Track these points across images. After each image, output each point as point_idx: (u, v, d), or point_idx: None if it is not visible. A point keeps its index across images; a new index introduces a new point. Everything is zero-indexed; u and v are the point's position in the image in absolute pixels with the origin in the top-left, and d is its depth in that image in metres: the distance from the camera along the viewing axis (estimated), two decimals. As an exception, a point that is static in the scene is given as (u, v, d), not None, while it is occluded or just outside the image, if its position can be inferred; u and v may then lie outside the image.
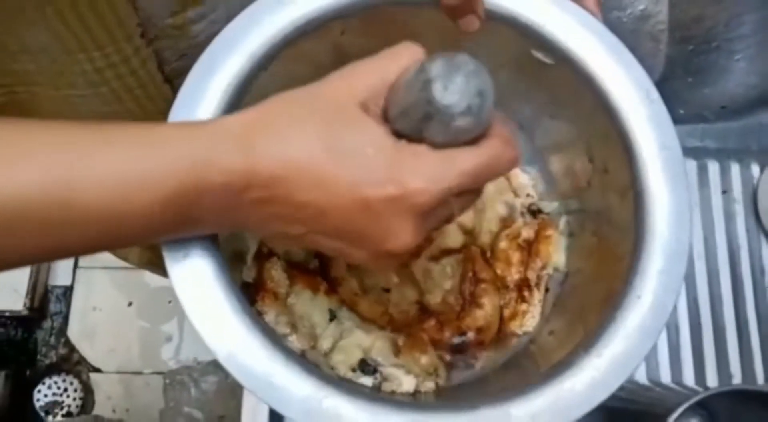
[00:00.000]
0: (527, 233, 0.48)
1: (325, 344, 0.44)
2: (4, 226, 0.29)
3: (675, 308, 0.55)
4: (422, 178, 0.31)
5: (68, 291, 1.43)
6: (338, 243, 0.33)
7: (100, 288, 1.44)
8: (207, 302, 0.34)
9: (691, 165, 0.61)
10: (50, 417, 1.34)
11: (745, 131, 0.62)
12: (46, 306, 1.42)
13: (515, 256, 0.47)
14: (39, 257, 0.33)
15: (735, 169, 0.61)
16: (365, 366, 0.44)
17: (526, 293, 0.46)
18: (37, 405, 1.35)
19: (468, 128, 0.31)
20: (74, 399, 1.36)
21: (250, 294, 0.46)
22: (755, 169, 0.61)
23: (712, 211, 0.59)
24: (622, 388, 0.48)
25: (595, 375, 0.36)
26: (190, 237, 0.35)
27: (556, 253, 0.48)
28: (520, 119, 0.50)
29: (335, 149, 0.31)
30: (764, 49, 0.61)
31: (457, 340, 0.44)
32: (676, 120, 0.41)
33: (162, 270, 0.37)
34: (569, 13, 0.42)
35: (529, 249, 0.47)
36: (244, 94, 0.39)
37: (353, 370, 0.44)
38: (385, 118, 0.33)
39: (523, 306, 0.46)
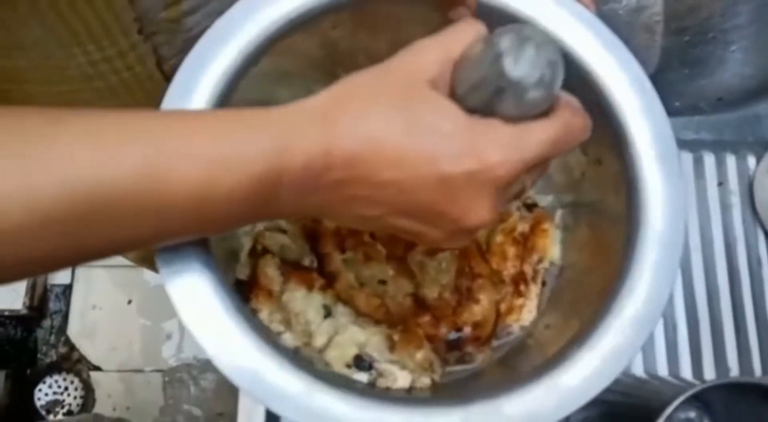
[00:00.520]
0: (523, 227, 0.47)
1: (319, 340, 0.44)
2: (102, 211, 0.29)
3: (672, 300, 0.56)
4: (500, 151, 0.31)
5: (67, 289, 1.43)
6: (415, 224, 0.33)
7: (99, 286, 1.44)
8: (198, 299, 0.34)
9: (687, 157, 0.60)
10: (51, 416, 1.35)
11: (741, 123, 0.62)
12: (45, 305, 1.42)
13: (511, 251, 0.46)
14: (126, 245, 0.32)
15: (731, 160, 0.61)
16: (360, 362, 0.43)
17: (522, 287, 0.46)
18: (38, 404, 1.36)
19: (541, 99, 0.31)
20: (75, 398, 1.37)
21: (243, 291, 0.45)
22: (751, 160, 0.61)
23: (708, 203, 0.59)
24: (618, 381, 0.48)
25: (588, 368, 0.35)
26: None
27: (552, 247, 0.48)
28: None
29: (413, 126, 0.31)
30: (760, 39, 0.60)
31: (453, 336, 0.44)
32: (672, 112, 0.41)
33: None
34: (562, 5, 0.41)
35: (525, 243, 0.47)
36: (235, 88, 0.39)
37: (348, 366, 0.43)
38: (452, 95, 0.33)
39: (520, 301, 0.46)
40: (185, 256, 0.35)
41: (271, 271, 0.45)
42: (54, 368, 1.40)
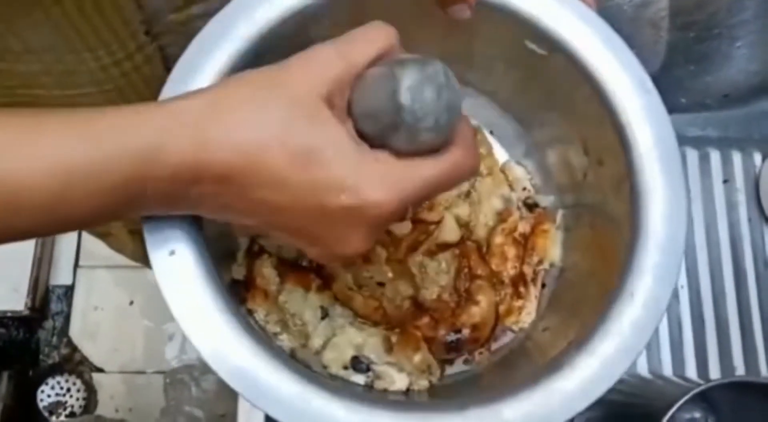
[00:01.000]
0: (523, 227, 0.47)
1: (316, 342, 0.43)
2: None
3: (677, 300, 0.55)
4: (382, 189, 0.30)
5: (69, 290, 1.43)
6: (292, 240, 0.33)
7: (101, 287, 1.43)
8: (192, 299, 0.34)
9: (693, 154, 0.60)
10: (54, 417, 1.34)
11: (746, 119, 0.61)
12: (47, 306, 1.41)
13: (511, 251, 0.46)
14: None
15: (737, 157, 0.60)
16: (357, 363, 0.43)
17: (522, 289, 0.45)
18: (41, 405, 1.35)
19: (433, 141, 0.30)
20: (77, 399, 1.36)
21: (240, 292, 0.45)
22: (757, 157, 0.60)
23: (714, 200, 0.58)
24: (622, 382, 0.48)
25: (587, 373, 0.35)
26: (176, 235, 0.34)
27: (553, 248, 0.47)
28: (515, 112, 0.49)
29: (293, 147, 0.29)
30: (766, 36, 0.59)
31: (451, 337, 0.44)
32: (678, 108, 0.40)
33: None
34: (564, 2, 0.40)
35: (525, 243, 0.46)
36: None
37: (345, 368, 0.43)
38: (349, 111, 0.32)
39: (519, 302, 0.45)
40: (181, 257, 0.34)
41: (267, 271, 0.44)
42: (56, 369, 1.40)
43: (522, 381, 0.35)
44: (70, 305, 1.42)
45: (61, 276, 1.43)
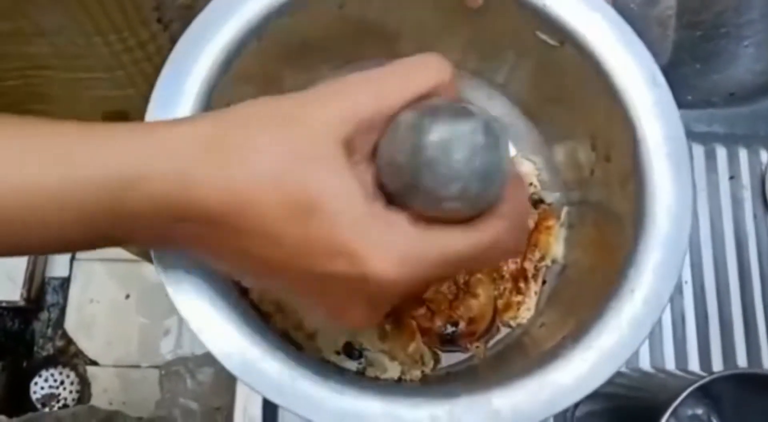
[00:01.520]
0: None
1: (310, 326, 0.43)
2: None
3: (680, 294, 0.55)
4: (388, 261, 0.25)
5: (65, 282, 1.42)
6: (283, 292, 0.31)
7: (97, 280, 1.43)
8: (185, 278, 0.33)
9: (699, 150, 0.59)
10: (47, 410, 1.34)
11: (753, 116, 0.61)
12: (43, 298, 1.41)
13: (512, 246, 0.45)
14: None
15: (743, 154, 0.60)
16: (350, 349, 0.42)
17: (522, 284, 0.45)
18: (34, 397, 1.35)
19: (460, 214, 0.25)
20: (71, 392, 1.36)
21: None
22: (763, 154, 0.60)
23: (720, 196, 0.58)
24: (624, 375, 0.47)
25: (582, 367, 0.34)
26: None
27: (556, 244, 0.46)
28: (524, 106, 0.49)
29: (293, 196, 0.25)
30: (773, 35, 0.60)
31: (447, 330, 0.43)
32: (684, 105, 0.40)
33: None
34: None
35: (528, 239, 0.46)
36: (235, 61, 0.38)
37: (337, 353, 0.42)
38: (374, 159, 0.27)
39: (518, 298, 0.45)
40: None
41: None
42: (50, 361, 1.39)
43: (516, 373, 0.35)
44: (65, 297, 1.41)
45: (58, 268, 1.42)
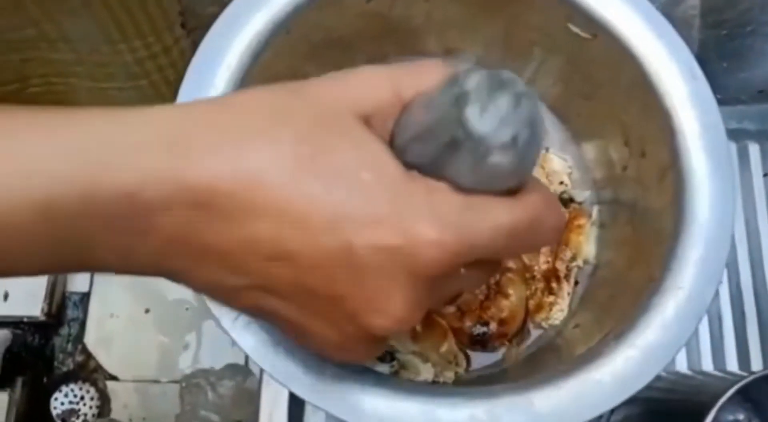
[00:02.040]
0: (557, 222, 0.45)
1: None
2: None
3: (717, 295, 0.53)
4: (437, 226, 0.21)
5: (85, 297, 1.43)
6: (294, 311, 0.23)
7: (117, 295, 1.43)
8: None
9: (731, 147, 0.58)
10: (67, 425, 1.34)
11: (785, 112, 0.60)
12: (63, 313, 1.41)
13: (543, 245, 0.44)
14: None
15: (776, 150, 0.58)
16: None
17: (554, 284, 0.44)
18: (54, 413, 1.35)
19: (507, 169, 0.22)
20: (91, 407, 1.36)
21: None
22: (797, 150, 0.59)
23: (754, 193, 0.57)
24: (660, 378, 0.46)
25: (627, 365, 0.33)
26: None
27: (587, 244, 0.45)
28: (552, 102, 0.48)
29: (313, 165, 0.21)
30: (801, 32, 0.59)
31: (478, 330, 0.42)
32: (713, 102, 0.39)
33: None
34: None
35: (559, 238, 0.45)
36: (263, 53, 0.38)
37: None
38: (391, 145, 0.24)
39: (550, 298, 0.44)
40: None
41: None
42: (70, 377, 1.39)
43: (555, 372, 0.34)
44: (85, 312, 1.41)
45: (78, 282, 1.43)
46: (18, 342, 1.35)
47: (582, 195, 0.47)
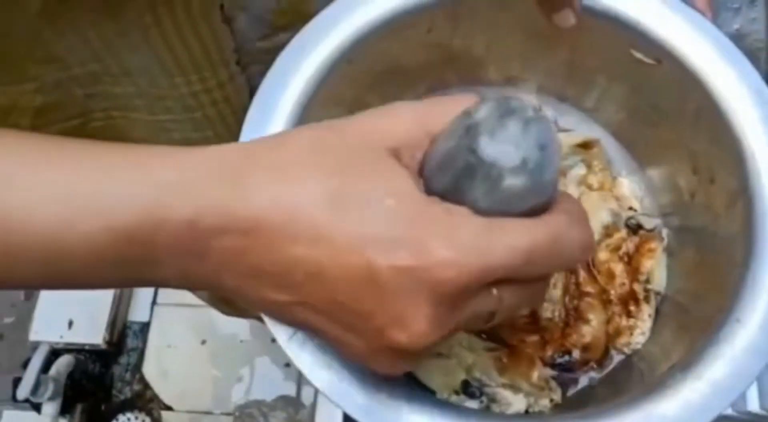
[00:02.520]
0: (627, 247, 0.44)
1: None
2: None
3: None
4: (452, 247, 0.23)
5: (145, 327, 1.45)
6: (330, 325, 0.26)
7: (175, 325, 1.45)
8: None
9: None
10: (122, 454, 1.35)
11: None
12: (123, 342, 1.44)
13: (618, 268, 0.43)
14: None
15: None
16: (468, 387, 0.40)
17: (632, 307, 0.42)
18: (110, 441, 1.37)
19: (522, 191, 0.24)
20: (146, 436, 1.37)
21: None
22: None
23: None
24: (729, 418, 0.44)
25: (692, 399, 0.32)
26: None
27: (658, 269, 0.44)
28: (616, 129, 0.48)
29: (345, 194, 0.24)
30: None
31: (561, 359, 0.41)
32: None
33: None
34: (674, 10, 0.39)
35: (630, 262, 0.44)
36: (326, 82, 0.39)
37: (456, 393, 0.40)
38: (420, 173, 0.27)
39: (630, 322, 0.42)
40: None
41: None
42: (127, 405, 1.41)
43: (621, 404, 0.33)
44: (145, 342, 1.44)
45: (139, 312, 1.46)
46: (79, 370, 1.39)
47: (652, 222, 0.46)
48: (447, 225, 0.24)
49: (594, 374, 0.42)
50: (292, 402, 1.16)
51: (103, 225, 0.25)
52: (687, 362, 0.33)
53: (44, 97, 0.49)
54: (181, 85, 0.52)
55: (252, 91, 0.55)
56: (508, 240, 0.24)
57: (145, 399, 1.41)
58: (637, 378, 0.40)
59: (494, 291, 0.25)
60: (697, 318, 0.39)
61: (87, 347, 1.38)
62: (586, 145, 0.46)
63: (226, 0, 0.48)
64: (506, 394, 0.40)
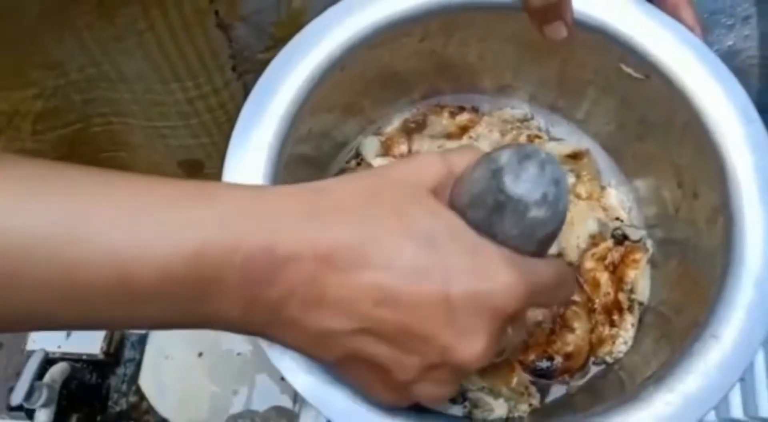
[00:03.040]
0: (613, 257, 0.45)
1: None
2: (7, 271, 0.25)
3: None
4: (510, 273, 0.27)
5: (143, 338, 1.45)
6: (388, 350, 0.28)
7: (173, 337, 1.45)
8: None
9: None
10: (117, 466, 1.34)
11: None
12: (121, 353, 1.44)
13: (603, 277, 0.44)
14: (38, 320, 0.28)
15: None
16: None
17: (615, 317, 0.43)
18: (104, 453, 1.35)
19: (545, 219, 0.28)
20: (141, 448, 1.36)
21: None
22: None
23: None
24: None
25: (663, 411, 0.32)
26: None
27: (642, 280, 0.45)
28: (604, 141, 0.49)
29: (410, 229, 0.27)
30: None
31: (543, 365, 0.42)
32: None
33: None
34: (664, 26, 0.40)
35: (614, 272, 0.44)
36: (318, 88, 0.39)
37: None
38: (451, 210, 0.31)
39: (612, 331, 0.43)
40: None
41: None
42: (123, 417, 1.40)
43: (593, 416, 0.34)
44: (142, 353, 1.44)
45: (137, 322, 1.46)
46: (76, 380, 1.38)
47: (637, 233, 0.47)
48: (499, 254, 0.28)
49: (573, 382, 0.43)
50: (285, 413, 1.16)
51: (182, 246, 0.26)
52: (661, 374, 0.34)
53: (44, 103, 0.50)
54: (177, 91, 0.53)
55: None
56: (542, 271, 0.29)
57: (141, 410, 1.40)
58: (617, 387, 0.41)
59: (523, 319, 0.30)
60: (677, 328, 0.39)
61: (84, 357, 1.37)
62: (575, 156, 0.47)
63: (223, 7, 0.49)
64: (487, 399, 0.40)
